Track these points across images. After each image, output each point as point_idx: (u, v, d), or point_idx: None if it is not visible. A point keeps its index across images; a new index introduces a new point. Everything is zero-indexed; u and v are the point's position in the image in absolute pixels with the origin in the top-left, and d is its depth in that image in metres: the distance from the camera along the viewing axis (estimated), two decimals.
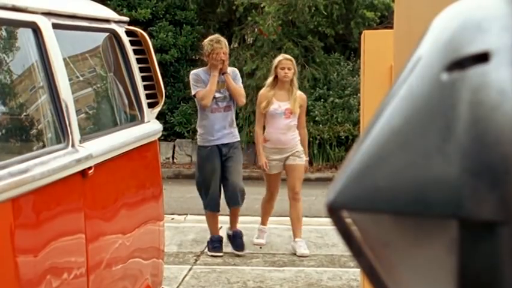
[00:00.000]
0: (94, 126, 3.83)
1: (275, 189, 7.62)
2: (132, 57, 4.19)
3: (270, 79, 7.52)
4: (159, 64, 13.97)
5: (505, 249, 0.61)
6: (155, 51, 12.73)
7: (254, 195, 8.25)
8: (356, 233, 0.70)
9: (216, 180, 7.29)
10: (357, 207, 0.68)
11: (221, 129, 7.28)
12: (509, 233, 0.61)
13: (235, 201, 7.34)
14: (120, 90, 4.11)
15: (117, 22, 4.18)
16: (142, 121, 4.23)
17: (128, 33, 4.27)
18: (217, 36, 7.47)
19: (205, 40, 7.43)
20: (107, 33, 4.07)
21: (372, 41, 4.52)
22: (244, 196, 7.40)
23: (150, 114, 4.33)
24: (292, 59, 7.66)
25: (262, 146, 7.47)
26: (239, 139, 7.61)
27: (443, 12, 0.71)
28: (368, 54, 4.66)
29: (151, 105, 4.36)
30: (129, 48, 4.18)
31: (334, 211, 0.68)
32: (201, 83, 7.30)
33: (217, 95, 7.28)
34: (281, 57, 7.57)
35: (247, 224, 7.95)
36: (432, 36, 0.70)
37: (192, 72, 7.55)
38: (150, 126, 4.28)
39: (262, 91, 7.59)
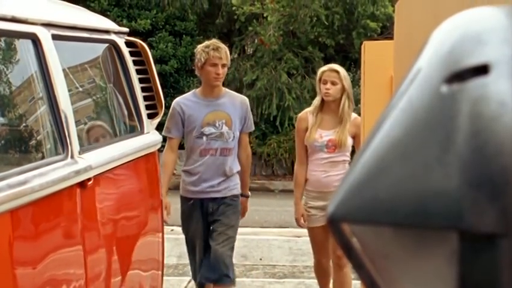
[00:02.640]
0: (93, 137, 3.82)
1: (321, 252, 5.55)
2: (132, 68, 4.19)
3: (316, 99, 5.50)
4: (159, 75, 13.93)
5: (505, 261, 0.61)
6: (155, 62, 12.75)
7: (254, 206, 8.24)
8: (356, 245, 0.70)
9: (200, 246, 5.43)
10: (357, 219, 0.68)
11: (210, 179, 5.27)
12: (509, 246, 0.61)
13: (215, 276, 5.28)
14: (120, 101, 4.10)
15: (117, 33, 4.18)
16: (142, 132, 4.23)
17: (128, 44, 4.27)
18: (214, 41, 5.34)
19: (199, 46, 5.34)
20: (107, 44, 4.07)
21: (372, 52, 4.52)
22: (231, 272, 5.34)
23: (150, 125, 4.33)
24: (341, 70, 5.47)
25: (301, 190, 5.53)
26: (237, 192, 5.44)
27: (443, 24, 0.71)
28: (368, 65, 4.66)
29: (150, 116, 4.36)
30: (129, 59, 4.18)
31: (334, 223, 0.69)
32: (176, 123, 5.30)
33: (211, 129, 5.22)
34: (325, 67, 5.52)
35: (246, 235, 7.93)
36: (432, 48, 0.70)
37: (175, 100, 5.45)
38: (150, 137, 4.28)
39: (302, 113, 5.62)
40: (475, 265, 0.62)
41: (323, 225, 5.28)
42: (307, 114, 5.47)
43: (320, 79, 5.38)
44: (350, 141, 5.35)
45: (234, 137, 5.28)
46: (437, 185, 0.63)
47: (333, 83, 5.31)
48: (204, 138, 5.21)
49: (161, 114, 4.43)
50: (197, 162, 5.25)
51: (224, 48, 5.24)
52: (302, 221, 5.47)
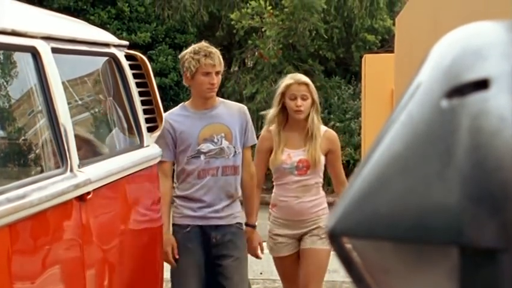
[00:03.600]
0: (92, 151, 3.82)
1: (290, 281, 4.86)
2: (132, 81, 4.18)
3: (273, 111, 4.76)
4: (159, 88, 13.93)
5: (505, 276, 0.61)
6: (155, 75, 12.78)
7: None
8: (356, 259, 0.71)
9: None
10: (357, 234, 0.68)
11: (213, 203, 4.46)
12: (510, 260, 0.61)
13: None
14: (119, 114, 4.10)
15: (116, 46, 4.18)
16: (142, 145, 4.22)
17: (128, 57, 4.26)
18: (204, 46, 4.50)
19: (185, 52, 4.53)
20: (107, 57, 4.06)
21: (372, 65, 4.53)
22: None
23: (150, 138, 4.32)
24: (309, 81, 4.82)
25: (258, 203, 4.84)
26: (242, 221, 4.65)
27: (443, 39, 0.72)
28: (368, 78, 4.67)
29: (150, 130, 4.35)
30: (128, 72, 4.17)
31: (335, 237, 0.69)
32: (166, 144, 4.47)
33: (209, 146, 4.44)
34: (290, 80, 4.75)
35: None
36: (432, 62, 0.70)
37: (164, 115, 4.52)
38: (149, 151, 4.27)
39: (264, 132, 4.85)
40: (475, 280, 0.62)
41: (290, 254, 4.72)
42: (270, 133, 4.74)
43: (283, 93, 4.68)
44: (322, 160, 4.68)
45: (235, 152, 4.48)
46: (437, 199, 0.63)
47: (304, 98, 4.66)
48: (202, 157, 4.42)
49: (161, 127, 4.42)
50: (195, 186, 4.44)
51: (216, 52, 4.47)
52: (257, 249, 4.72)
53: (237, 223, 4.53)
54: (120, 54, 4.15)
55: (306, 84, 4.71)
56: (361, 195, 0.67)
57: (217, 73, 4.42)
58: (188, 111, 4.55)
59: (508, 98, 0.64)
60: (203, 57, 4.39)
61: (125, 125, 4.15)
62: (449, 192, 0.63)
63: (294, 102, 4.65)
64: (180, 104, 4.72)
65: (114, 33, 12.69)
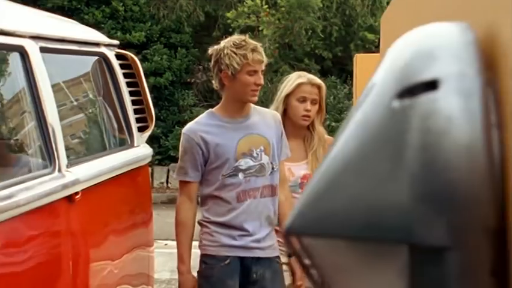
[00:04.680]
0: (81, 151, 3.80)
1: None
2: (122, 81, 4.17)
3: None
4: (153, 87, 13.87)
5: (453, 274, 0.63)
6: (150, 75, 12.81)
7: None
8: (313, 259, 0.72)
9: None
10: (312, 233, 0.70)
11: (255, 231, 3.69)
12: (457, 258, 0.63)
13: None
14: (110, 114, 4.09)
15: (107, 45, 4.17)
16: (132, 145, 4.21)
17: (119, 56, 4.26)
18: (243, 38, 3.71)
19: (220, 46, 3.67)
20: (97, 57, 4.05)
21: (363, 65, 4.52)
22: None
23: (140, 138, 4.31)
24: (323, 84, 4.11)
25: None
26: (279, 254, 3.82)
27: (399, 40, 0.73)
28: (359, 78, 4.65)
29: (141, 129, 4.34)
30: (119, 72, 4.16)
31: (290, 236, 0.70)
32: (194, 160, 3.66)
33: (248, 162, 3.68)
34: (303, 78, 4.05)
35: None
36: (386, 63, 0.72)
37: (187, 127, 3.75)
38: (140, 151, 4.26)
39: None
40: (424, 278, 0.64)
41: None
42: None
43: (291, 93, 4.00)
44: None
45: (273, 169, 3.73)
46: (388, 199, 0.65)
47: (313, 102, 3.99)
48: (240, 175, 3.66)
49: (152, 127, 4.41)
50: (233, 211, 3.66)
51: (261, 48, 3.73)
52: None
53: (277, 257, 3.78)
54: (110, 54, 4.14)
55: (319, 87, 4.03)
56: (317, 194, 0.70)
57: (262, 72, 3.71)
58: (220, 120, 3.70)
59: (456, 98, 0.65)
60: (250, 52, 3.60)
61: (116, 125, 4.14)
62: (399, 192, 0.64)
63: (303, 105, 3.96)
64: (207, 112, 3.82)
65: (108, 33, 12.68)
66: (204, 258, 3.69)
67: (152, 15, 13.34)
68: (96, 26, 12.75)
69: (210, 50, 3.73)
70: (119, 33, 12.71)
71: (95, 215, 3.60)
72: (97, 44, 4.05)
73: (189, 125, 3.74)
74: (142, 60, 13.00)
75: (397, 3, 1.79)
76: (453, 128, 0.64)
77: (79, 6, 12.88)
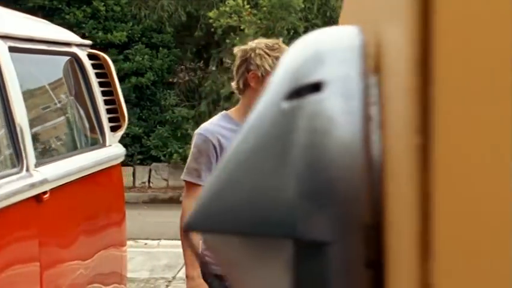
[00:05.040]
0: (51, 150, 3.80)
1: None
2: (94, 81, 4.17)
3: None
4: (135, 87, 13.82)
5: (332, 267, 0.66)
6: (132, 74, 12.77)
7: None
8: (216, 255, 0.74)
9: None
10: (207, 229, 0.72)
11: None
12: (336, 252, 0.66)
13: None
14: (81, 113, 4.09)
15: (79, 45, 4.17)
16: (104, 145, 4.21)
17: (91, 56, 4.25)
18: (275, 40, 3.55)
19: (251, 46, 3.44)
20: (68, 57, 4.05)
21: None
22: None
23: (113, 137, 4.31)
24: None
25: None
26: None
27: (296, 42, 0.76)
28: None
29: (114, 129, 4.34)
30: (91, 72, 4.16)
31: (188, 233, 0.72)
32: (209, 163, 3.41)
33: None
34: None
35: None
36: (281, 65, 0.74)
37: (203, 127, 3.52)
38: (112, 150, 4.26)
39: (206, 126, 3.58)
40: (306, 271, 0.67)
41: None
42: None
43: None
44: None
45: None
46: (275, 195, 0.67)
47: None
48: None
49: (125, 126, 4.41)
50: None
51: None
52: None
53: None
54: (82, 54, 4.14)
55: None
56: (212, 192, 0.73)
57: None
58: (237, 125, 3.41)
59: (338, 100, 0.68)
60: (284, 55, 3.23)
61: (87, 125, 4.14)
62: (285, 189, 0.67)
63: None
64: (223, 114, 3.60)
65: (90, 32, 12.64)
66: (209, 277, 3.22)
67: (133, 15, 13.31)
68: (77, 25, 12.70)
69: (236, 50, 3.54)
70: (100, 33, 12.68)
71: (65, 215, 3.60)
72: (68, 44, 4.05)
73: (205, 125, 3.55)
74: (123, 60, 12.96)
75: (348, 4, 1.81)
76: (334, 128, 0.66)
77: (60, 6, 12.84)
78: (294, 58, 0.74)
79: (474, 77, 0.47)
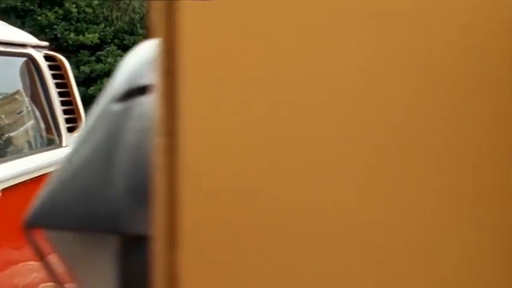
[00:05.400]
0: (4, 151, 3.81)
1: None
2: (50, 82, 4.18)
3: None
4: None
5: (148, 260, 0.67)
6: (104, 76, 12.75)
7: None
8: (56, 251, 0.77)
9: None
10: (42, 225, 0.76)
11: None
12: (151, 246, 0.66)
13: None
14: (37, 114, 4.10)
15: (34, 47, 4.18)
16: (61, 145, 4.22)
17: (48, 58, 4.26)
18: None
19: None
20: (24, 58, 4.06)
21: None
22: None
23: (70, 138, 4.32)
24: None
25: None
26: None
27: (136, 48, 0.80)
28: None
29: (71, 130, 4.35)
30: (47, 73, 4.17)
31: (27, 230, 0.75)
32: None
33: None
34: None
35: None
36: (120, 69, 0.78)
37: None
38: (69, 150, 4.26)
39: None
40: (128, 264, 0.70)
41: None
42: None
43: None
44: None
45: None
46: (102, 193, 0.72)
47: None
48: None
49: (82, 127, 4.41)
50: None
51: None
52: None
53: None
54: (38, 55, 4.15)
55: None
56: (48, 190, 0.75)
57: None
58: None
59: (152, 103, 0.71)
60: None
61: (43, 125, 4.15)
62: (111, 186, 0.71)
63: None
64: None
65: (62, 34, 12.60)
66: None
67: (105, 17, 13.31)
68: (49, 27, 12.68)
69: None
70: (72, 35, 12.66)
71: (18, 215, 3.60)
72: (24, 45, 4.06)
73: None
74: (95, 62, 12.96)
75: None
76: (151, 129, 0.68)
77: (32, 7, 12.81)
78: (130, 63, 0.78)
79: (218, 82, 0.50)
